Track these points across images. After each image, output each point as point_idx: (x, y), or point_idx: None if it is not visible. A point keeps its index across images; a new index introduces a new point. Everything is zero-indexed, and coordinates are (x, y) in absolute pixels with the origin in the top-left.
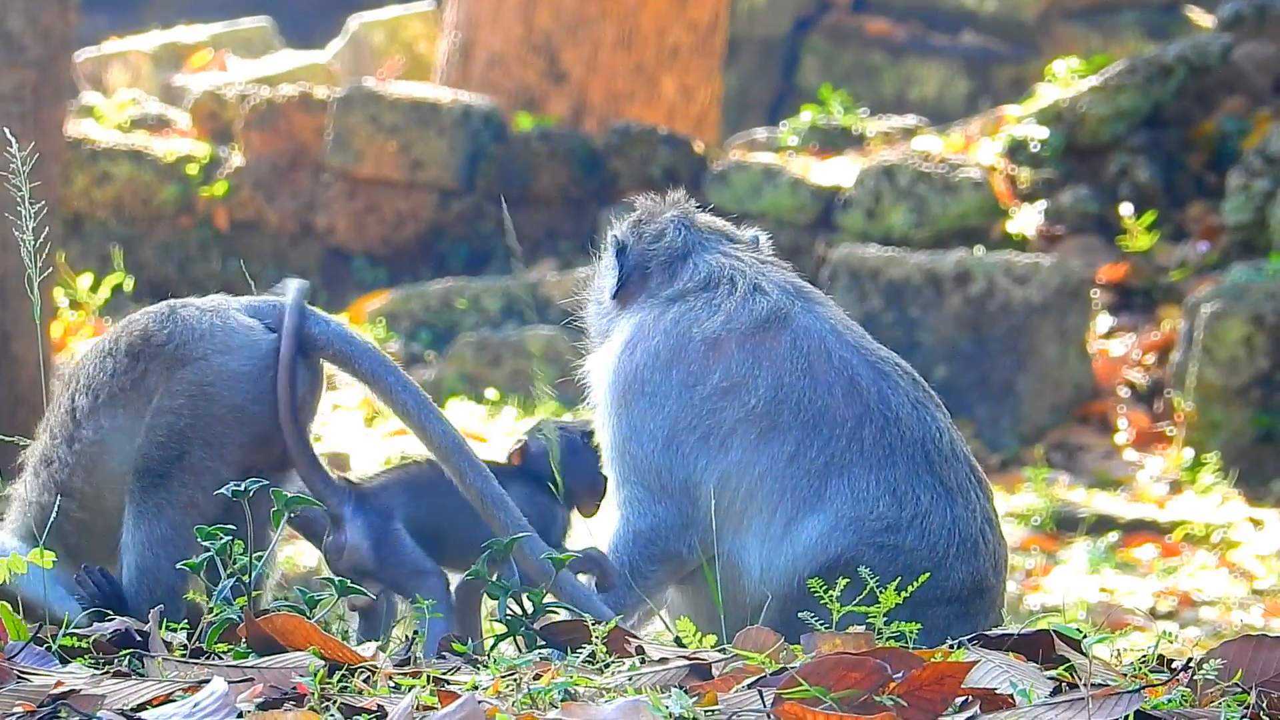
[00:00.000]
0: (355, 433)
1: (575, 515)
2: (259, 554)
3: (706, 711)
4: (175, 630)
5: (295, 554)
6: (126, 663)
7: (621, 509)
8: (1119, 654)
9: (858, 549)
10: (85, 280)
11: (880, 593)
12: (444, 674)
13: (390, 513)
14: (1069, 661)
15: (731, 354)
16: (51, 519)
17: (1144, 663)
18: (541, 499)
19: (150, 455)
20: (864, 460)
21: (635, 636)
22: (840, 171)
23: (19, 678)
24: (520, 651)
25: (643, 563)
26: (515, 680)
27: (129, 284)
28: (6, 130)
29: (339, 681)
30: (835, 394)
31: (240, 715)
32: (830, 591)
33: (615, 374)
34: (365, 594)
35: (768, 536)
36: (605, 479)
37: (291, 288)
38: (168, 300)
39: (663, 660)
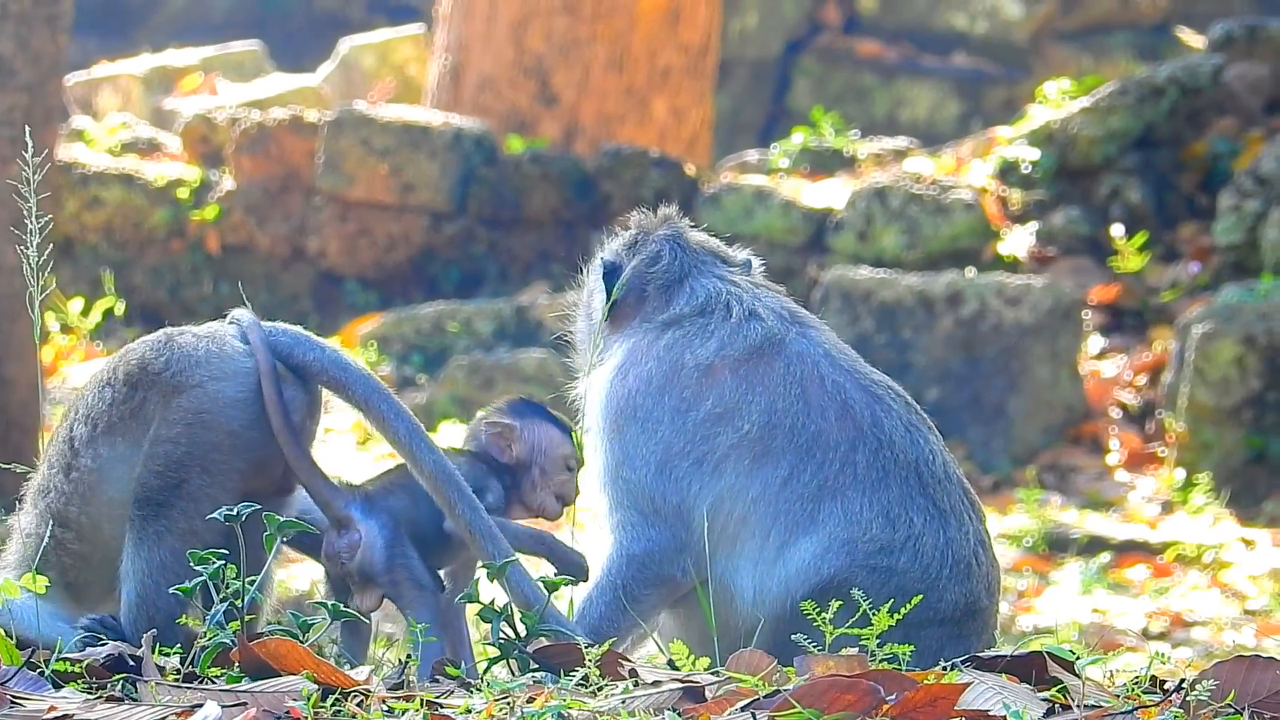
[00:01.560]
0: (347, 455)
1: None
2: (252, 578)
3: None
4: (169, 655)
5: (288, 578)
6: (120, 687)
7: (614, 533)
8: (1112, 675)
9: (851, 571)
10: (76, 304)
11: (873, 615)
12: (437, 697)
13: (398, 516)
14: (1062, 683)
15: (724, 380)
16: (43, 546)
17: (1137, 684)
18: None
19: (149, 484)
20: (857, 483)
21: (628, 659)
22: (832, 193)
23: (12, 702)
24: (513, 675)
25: (636, 586)
26: (509, 703)
27: (120, 308)
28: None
29: (332, 705)
30: (828, 418)
31: None
32: (823, 614)
33: (608, 399)
34: (361, 618)
35: (761, 559)
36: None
37: (248, 325)
38: (165, 328)
39: (656, 683)
